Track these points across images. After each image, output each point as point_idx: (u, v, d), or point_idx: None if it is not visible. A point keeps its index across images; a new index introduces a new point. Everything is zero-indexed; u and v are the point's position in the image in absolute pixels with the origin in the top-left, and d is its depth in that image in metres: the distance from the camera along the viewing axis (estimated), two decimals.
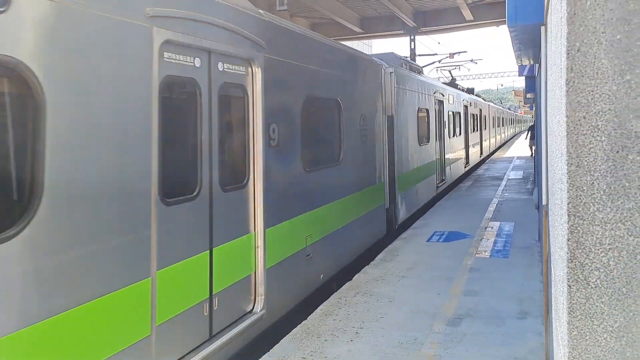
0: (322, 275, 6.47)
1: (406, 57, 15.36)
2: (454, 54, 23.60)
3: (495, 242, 8.67)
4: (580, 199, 1.62)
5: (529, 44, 5.27)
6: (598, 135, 1.57)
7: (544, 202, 3.83)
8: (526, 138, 28.01)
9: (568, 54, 1.55)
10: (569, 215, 1.65)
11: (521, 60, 7.43)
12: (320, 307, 5.92)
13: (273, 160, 5.27)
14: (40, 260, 2.80)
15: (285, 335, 5.24)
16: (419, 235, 9.37)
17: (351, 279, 6.93)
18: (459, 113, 17.83)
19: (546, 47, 3.32)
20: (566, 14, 1.53)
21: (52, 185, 2.89)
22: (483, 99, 29.47)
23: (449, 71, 24.80)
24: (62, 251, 2.94)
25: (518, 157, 27.35)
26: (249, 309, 4.93)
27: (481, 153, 24.40)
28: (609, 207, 1.60)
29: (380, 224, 9.04)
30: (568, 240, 1.68)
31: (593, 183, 1.60)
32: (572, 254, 1.68)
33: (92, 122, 3.17)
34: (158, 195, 3.72)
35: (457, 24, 23.87)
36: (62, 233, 2.94)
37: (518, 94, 33.17)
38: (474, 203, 12.83)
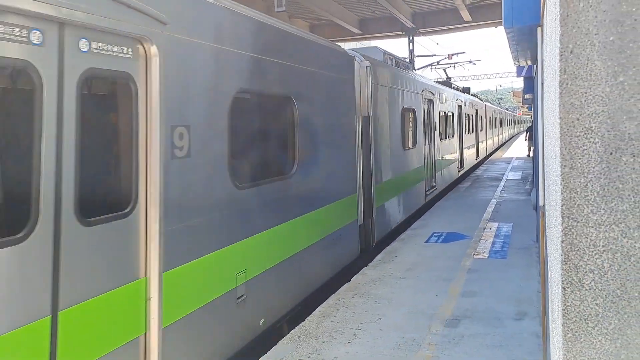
0: (262, 320, 5.11)
1: (405, 59, 14.95)
2: (453, 54, 23.62)
3: (493, 243, 8.67)
4: (574, 200, 1.62)
5: (526, 45, 5.27)
6: (591, 137, 1.56)
7: (540, 204, 3.83)
8: (526, 139, 28.03)
9: (561, 55, 1.55)
10: (562, 217, 1.64)
11: (519, 62, 7.43)
12: (319, 308, 5.92)
13: (180, 176, 3.95)
14: None
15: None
16: (417, 236, 9.36)
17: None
18: (452, 113, 16.70)
19: (542, 48, 3.32)
20: (559, 16, 1.53)
21: None
22: (480, 98, 28.23)
23: (444, 70, 24.00)
24: None
25: (517, 158, 27.37)
26: None
27: (477, 155, 23.22)
28: (603, 209, 1.60)
29: (352, 243, 7.72)
30: (562, 242, 1.67)
31: (587, 185, 1.60)
32: (567, 256, 1.67)
33: None
34: None
35: (456, 25, 23.91)
36: None
37: (517, 95, 33.17)
38: (472, 204, 12.83)
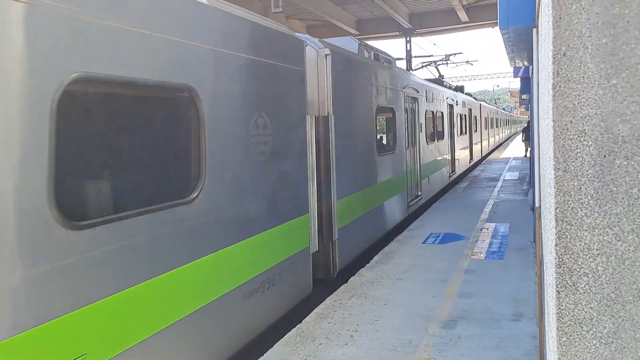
0: None
1: (403, 59, 14.40)
2: (450, 55, 23.64)
3: (490, 244, 8.67)
4: (567, 204, 1.61)
5: (522, 46, 5.27)
6: (585, 140, 1.56)
7: (536, 205, 3.82)
8: (523, 140, 28.07)
9: (554, 58, 1.54)
10: (556, 221, 1.64)
11: (515, 62, 7.44)
12: (315, 310, 5.90)
13: None
14: None
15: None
16: (414, 237, 9.36)
17: (346, 282, 6.92)
18: (442, 113, 15.18)
19: (537, 50, 3.32)
20: (551, 18, 1.52)
21: None
22: (474, 98, 26.36)
23: (436, 67, 22.84)
24: None
25: (514, 158, 27.41)
26: None
27: (471, 158, 21.61)
28: (597, 212, 1.59)
29: (299, 279, 5.94)
30: (556, 245, 1.66)
31: (580, 188, 1.59)
32: (561, 260, 1.67)
33: None
34: None
35: (453, 26, 23.96)
36: None
37: (514, 95, 33.22)
38: (469, 204, 12.83)
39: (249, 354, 5.04)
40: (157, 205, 3.75)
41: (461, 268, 7.35)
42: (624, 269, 1.60)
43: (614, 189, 1.56)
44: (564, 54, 1.54)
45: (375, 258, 8.04)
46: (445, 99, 15.89)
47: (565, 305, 1.68)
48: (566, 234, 1.64)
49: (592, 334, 1.65)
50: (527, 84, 10.94)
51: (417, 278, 6.95)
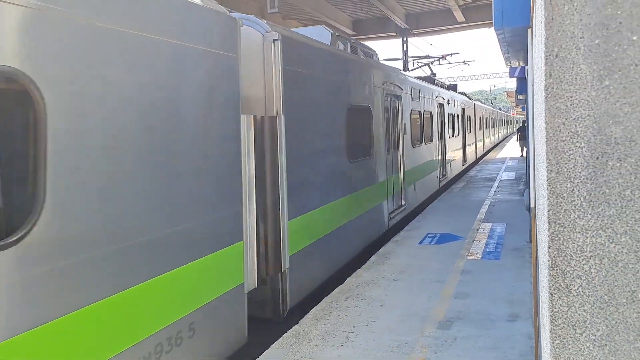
0: None
1: (398, 59, 13.64)
2: (446, 55, 23.66)
3: (487, 244, 8.67)
4: (560, 206, 1.60)
5: (517, 46, 5.27)
6: (577, 142, 1.55)
7: (532, 205, 3.82)
8: (517, 139, 28.10)
9: (546, 59, 1.53)
10: (549, 223, 1.63)
11: (510, 63, 7.44)
12: (312, 311, 5.89)
13: None
14: None
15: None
16: (411, 238, 9.36)
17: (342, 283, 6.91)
18: (431, 113, 13.96)
19: (532, 50, 3.31)
20: (544, 19, 1.51)
21: None
22: (469, 97, 25.10)
23: (428, 65, 21.88)
24: None
25: (511, 158, 27.46)
26: None
27: (464, 161, 20.36)
28: (590, 214, 1.58)
29: (228, 326, 4.62)
30: (549, 247, 1.65)
31: (573, 190, 1.58)
32: (554, 262, 1.66)
33: None
34: None
35: (449, 26, 23.99)
36: None
37: (510, 95, 33.28)
38: (466, 204, 12.84)
39: (243, 357, 5.02)
40: None
41: (457, 268, 7.34)
42: (617, 271, 1.59)
43: (607, 190, 1.55)
44: (556, 55, 1.53)
45: (372, 259, 8.03)
46: (434, 97, 14.65)
47: (559, 308, 1.67)
48: (559, 236, 1.63)
49: (586, 337, 1.64)
50: (523, 84, 10.95)
51: (413, 279, 6.94)
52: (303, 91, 6.26)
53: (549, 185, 1.61)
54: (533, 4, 2.95)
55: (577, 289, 1.64)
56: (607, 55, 1.49)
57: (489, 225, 10.22)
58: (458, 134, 18.83)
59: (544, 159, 1.70)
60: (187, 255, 4.09)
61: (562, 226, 1.62)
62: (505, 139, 56.68)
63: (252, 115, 5.10)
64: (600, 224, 1.58)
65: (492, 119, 36.57)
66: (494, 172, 20.67)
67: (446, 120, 16.23)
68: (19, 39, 2.73)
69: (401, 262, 7.75)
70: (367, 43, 26.06)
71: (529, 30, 3.75)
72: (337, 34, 8.56)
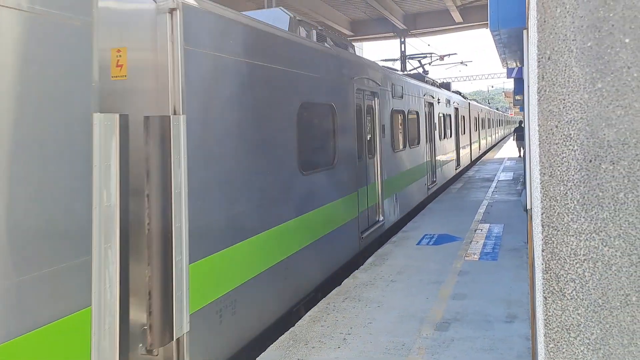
0: None
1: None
2: (444, 56, 23.67)
3: (484, 245, 8.67)
4: (554, 209, 1.59)
5: (514, 47, 5.27)
6: (570, 145, 1.54)
7: (528, 207, 3.81)
8: (514, 139, 28.11)
9: (539, 61, 1.52)
10: (542, 226, 1.62)
11: (507, 64, 7.44)
12: (309, 313, 5.88)
13: None
14: None
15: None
16: (409, 239, 9.35)
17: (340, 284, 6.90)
18: (417, 113, 12.60)
19: (528, 51, 3.31)
20: (536, 22, 1.51)
21: None
22: (463, 96, 23.80)
23: (418, 60, 20.76)
24: None
25: (509, 159, 27.48)
26: None
27: (458, 164, 19.07)
28: (583, 218, 1.57)
29: None
30: (543, 251, 1.65)
31: (566, 193, 1.58)
32: (547, 265, 1.65)
33: None
34: None
35: (447, 26, 24.01)
36: None
37: (508, 96, 33.31)
38: (464, 205, 12.84)
39: (240, 359, 5.00)
40: None
41: (455, 269, 7.34)
42: (610, 274, 1.58)
43: (600, 194, 1.54)
44: (548, 58, 1.52)
45: (370, 260, 8.02)
46: (422, 95, 13.20)
47: (553, 312, 1.66)
48: (553, 239, 1.62)
49: (580, 341, 1.64)
50: (520, 85, 10.96)
51: (411, 280, 6.93)
52: (223, 83, 4.62)
53: (542, 188, 1.61)
54: (528, 5, 2.95)
55: (571, 292, 1.64)
56: (600, 58, 1.48)
57: (486, 226, 10.22)
58: (450, 136, 17.57)
59: (537, 161, 1.69)
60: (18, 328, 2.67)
61: (556, 229, 1.61)
62: (502, 139, 56.10)
63: (117, 115, 3.36)
64: (593, 227, 1.57)
65: (488, 119, 35.15)
66: (492, 172, 20.68)
67: (436, 121, 14.89)
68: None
69: (399, 263, 7.74)
70: (366, 44, 26.05)
71: (525, 32, 3.74)
72: (298, 18, 7.21)
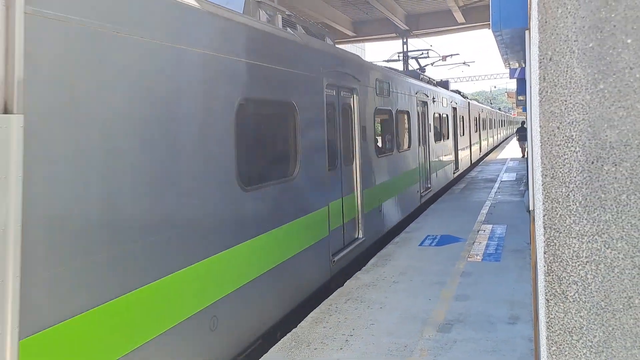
0: None
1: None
2: (447, 56, 23.64)
3: (487, 246, 8.64)
4: (556, 211, 1.58)
5: (516, 47, 5.25)
6: (572, 146, 1.53)
7: (531, 208, 3.80)
8: (517, 139, 28.02)
9: (540, 62, 1.51)
10: (545, 228, 1.61)
11: (509, 64, 7.42)
12: (311, 314, 5.87)
13: None
14: None
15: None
16: (411, 240, 9.33)
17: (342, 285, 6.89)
18: (408, 113, 11.44)
19: (530, 52, 3.29)
20: (537, 22, 1.50)
21: None
22: (463, 95, 22.68)
23: (415, 59, 20.23)
24: None
25: (512, 159, 27.42)
26: None
27: (457, 167, 18.09)
28: (585, 219, 1.56)
29: None
30: (545, 253, 1.63)
31: (569, 195, 1.56)
32: (549, 267, 1.64)
33: None
34: None
35: (449, 27, 23.97)
36: None
37: (511, 96, 33.22)
38: (466, 206, 12.81)
39: None
40: None
41: (458, 270, 7.32)
42: (613, 276, 1.57)
43: (603, 195, 1.53)
44: (550, 59, 1.51)
45: (372, 261, 8.01)
46: (414, 94, 12.00)
47: (555, 314, 1.65)
48: (555, 241, 1.61)
49: (582, 343, 1.62)
50: (523, 85, 10.92)
51: (413, 281, 6.92)
52: (100, 69, 3.27)
53: (544, 190, 1.60)
54: (530, 5, 2.94)
55: (574, 295, 1.62)
56: (602, 59, 1.47)
57: (489, 226, 10.20)
58: (448, 137, 16.41)
59: (538, 163, 1.68)
60: None
61: (558, 231, 1.60)
62: (505, 140, 55.37)
63: None
64: (596, 229, 1.56)
65: (490, 120, 33.85)
66: (495, 173, 20.64)
67: (431, 122, 13.74)
68: None
69: (401, 264, 7.72)
70: (368, 44, 26.04)
71: (527, 32, 3.73)
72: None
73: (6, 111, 2.71)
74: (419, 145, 12.47)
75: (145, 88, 3.71)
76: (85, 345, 3.08)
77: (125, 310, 3.39)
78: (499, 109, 58.16)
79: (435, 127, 14.38)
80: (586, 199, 1.55)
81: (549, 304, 1.66)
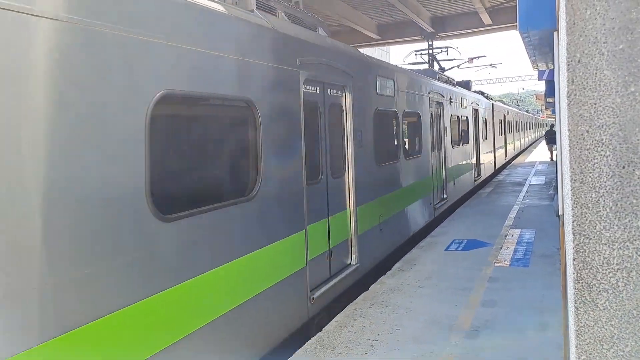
0: None
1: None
2: (473, 58, 23.37)
3: (515, 251, 8.48)
4: (585, 217, 1.55)
5: (545, 49, 5.16)
6: (602, 150, 1.49)
7: (560, 212, 3.72)
8: (547, 143, 27.41)
9: (568, 65, 1.48)
10: (574, 234, 1.57)
11: (537, 66, 7.29)
12: (336, 318, 5.86)
13: None
14: None
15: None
16: (437, 244, 9.23)
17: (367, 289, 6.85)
18: (419, 115, 10.22)
19: (558, 53, 3.23)
20: (565, 24, 1.47)
21: None
22: (486, 96, 21.13)
23: (431, 55, 19.05)
24: None
25: (540, 162, 26.89)
26: None
27: (478, 174, 16.73)
28: (616, 226, 1.52)
29: None
30: (574, 260, 1.60)
31: (599, 200, 1.53)
32: (579, 275, 1.60)
33: None
34: None
35: (476, 29, 23.68)
36: None
37: (539, 98, 32.54)
38: (493, 210, 12.61)
39: None
40: None
41: (485, 276, 7.20)
42: None
43: (634, 201, 1.49)
44: (578, 61, 1.48)
45: (397, 265, 7.95)
46: (426, 93, 10.80)
47: (585, 322, 1.61)
48: (584, 247, 1.57)
49: (613, 353, 1.58)
50: (552, 87, 10.72)
51: (439, 286, 6.83)
52: None
53: (573, 195, 1.56)
54: (558, 6, 2.88)
55: (604, 303, 1.58)
56: (633, 61, 1.43)
57: (517, 231, 10.01)
58: (468, 142, 14.99)
59: (567, 168, 1.64)
60: None
61: (587, 238, 1.56)
62: (533, 144, 53.54)
63: None
64: (627, 236, 1.51)
65: (516, 122, 31.63)
66: (523, 176, 20.27)
67: (447, 125, 12.38)
68: None
69: (427, 269, 7.65)
70: (393, 48, 25.90)
71: (555, 34, 3.66)
72: None
73: None
74: (432, 150, 11.18)
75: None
76: None
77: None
78: (527, 111, 56.97)
79: (452, 131, 13.10)
80: (617, 204, 1.51)
81: (579, 312, 1.62)
